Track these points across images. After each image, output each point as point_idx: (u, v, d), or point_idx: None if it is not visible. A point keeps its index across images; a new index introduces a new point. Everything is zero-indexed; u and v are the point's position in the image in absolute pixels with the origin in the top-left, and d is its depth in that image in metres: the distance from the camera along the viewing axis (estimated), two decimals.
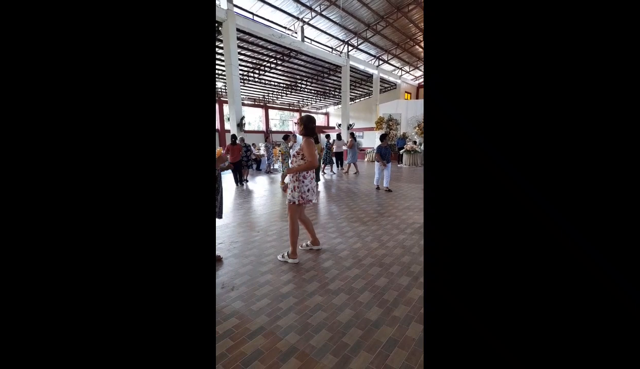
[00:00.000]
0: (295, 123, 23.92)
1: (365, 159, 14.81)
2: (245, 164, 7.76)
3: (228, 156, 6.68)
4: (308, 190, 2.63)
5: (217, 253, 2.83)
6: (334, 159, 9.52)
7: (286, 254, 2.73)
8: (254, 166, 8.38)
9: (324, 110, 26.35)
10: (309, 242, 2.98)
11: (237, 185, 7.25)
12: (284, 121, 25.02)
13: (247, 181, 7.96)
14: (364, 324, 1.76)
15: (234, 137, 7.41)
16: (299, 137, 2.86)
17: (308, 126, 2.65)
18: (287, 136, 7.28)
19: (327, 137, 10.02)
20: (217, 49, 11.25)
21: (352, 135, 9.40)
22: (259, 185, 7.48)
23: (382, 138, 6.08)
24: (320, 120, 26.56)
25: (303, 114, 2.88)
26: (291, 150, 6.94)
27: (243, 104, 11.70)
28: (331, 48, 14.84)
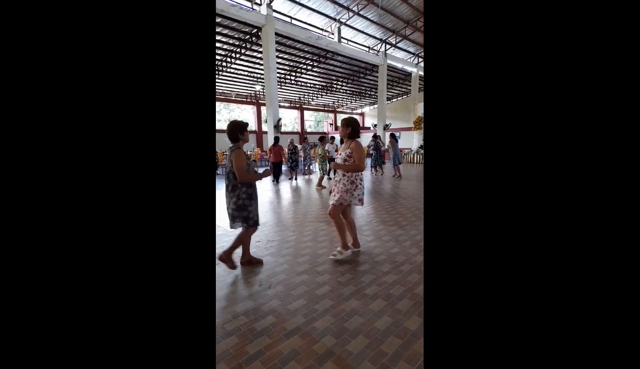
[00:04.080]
0: (330, 125, 23.96)
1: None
2: (291, 165, 8.19)
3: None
4: (361, 194, 2.72)
5: (255, 254, 2.89)
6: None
7: (338, 250, 2.78)
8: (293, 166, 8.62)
9: (359, 111, 26.08)
10: (339, 248, 2.88)
11: (274, 183, 7.48)
12: (318, 122, 25.23)
13: (295, 179, 8.30)
14: (402, 333, 1.69)
15: (276, 138, 7.65)
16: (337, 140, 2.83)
17: (356, 128, 2.69)
18: (323, 138, 7.34)
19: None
20: (256, 53, 11.69)
21: (392, 135, 9.22)
22: (296, 185, 7.61)
23: None
24: None
25: (345, 116, 2.84)
26: (327, 153, 7.06)
27: (280, 106, 12.01)
28: (368, 47, 14.63)
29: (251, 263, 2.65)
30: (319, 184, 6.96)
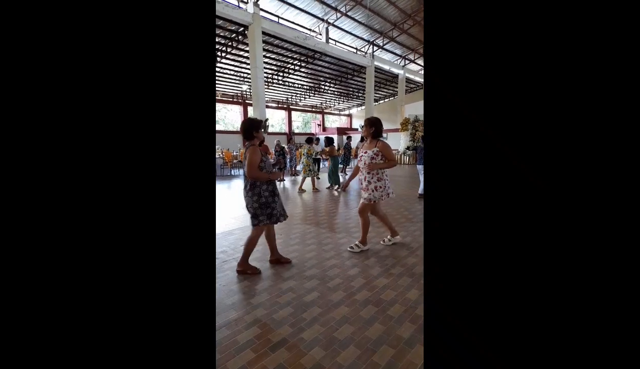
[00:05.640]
0: (318, 125, 23.92)
1: None
2: (279, 166, 8.25)
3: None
4: (389, 187, 2.83)
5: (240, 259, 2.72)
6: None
7: (356, 244, 2.92)
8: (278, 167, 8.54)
9: (346, 112, 26.15)
10: (389, 237, 3.09)
11: None
12: (306, 123, 25.13)
13: (283, 180, 8.31)
14: (395, 342, 1.60)
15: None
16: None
17: (379, 128, 2.78)
18: (311, 138, 7.23)
19: (349, 138, 9.88)
20: (243, 53, 11.47)
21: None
22: (283, 187, 7.47)
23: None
24: (342, 122, 26.41)
25: (370, 116, 2.97)
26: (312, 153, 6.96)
27: (267, 106, 11.82)
28: (356, 49, 14.66)
29: (280, 262, 2.63)
30: (300, 187, 6.68)
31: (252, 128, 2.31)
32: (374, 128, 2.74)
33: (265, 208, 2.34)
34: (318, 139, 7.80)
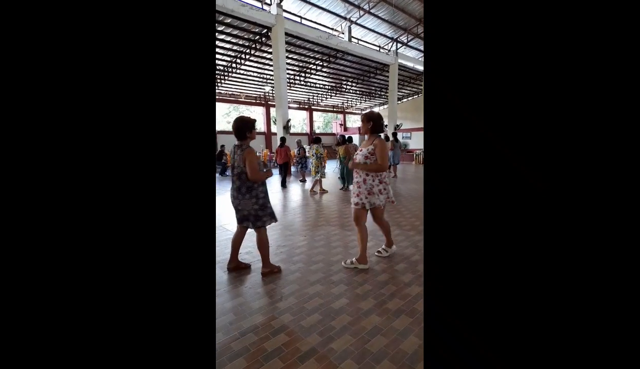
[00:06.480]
0: (340, 125, 23.73)
1: (414, 162, 14.03)
2: (300, 167, 8.31)
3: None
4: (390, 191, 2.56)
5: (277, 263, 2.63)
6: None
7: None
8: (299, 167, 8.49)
9: (368, 111, 25.73)
10: (385, 246, 2.84)
11: (282, 187, 7.26)
12: (327, 123, 25.05)
13: (304, 181, 8.24)
14: None
15: (282, 139, 7.51)
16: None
17: (378, 123, 2.46)
18: (319, 139, 6.91)
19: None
20: (265, 54, 11.60)
21: (394, 135, 9.07)
22: (305, 188, 7.43)
23: None
24: None
25: (367, 111, 2.67)
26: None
27: (288, 107, 11.87)
28: (379, 46, 14.38)
29: (239, 268, 2.51)
30: (321, 188, 6.43)
31: (245, 128, 2.22)
32: (371, 123, 2.40)
33: (265, 208, 2.32)
34: (343, 137, 7.45)
